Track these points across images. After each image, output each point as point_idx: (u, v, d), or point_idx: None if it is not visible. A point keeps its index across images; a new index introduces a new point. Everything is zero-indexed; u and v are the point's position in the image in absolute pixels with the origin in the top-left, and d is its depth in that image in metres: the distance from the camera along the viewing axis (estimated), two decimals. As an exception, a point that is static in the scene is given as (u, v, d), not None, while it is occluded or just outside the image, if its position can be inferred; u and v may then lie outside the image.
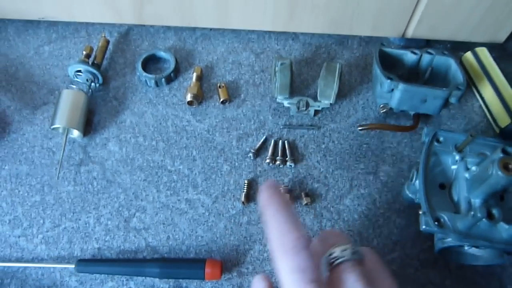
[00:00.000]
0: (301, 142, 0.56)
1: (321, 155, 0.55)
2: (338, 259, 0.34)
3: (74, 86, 0.58)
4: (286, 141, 0.56)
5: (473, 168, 0.43)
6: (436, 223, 0.40)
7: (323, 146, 0.56)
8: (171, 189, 0.53)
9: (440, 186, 0.45)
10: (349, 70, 0.63)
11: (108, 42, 0.62)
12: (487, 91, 0.57)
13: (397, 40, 0.65)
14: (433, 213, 0.41)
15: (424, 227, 0.41)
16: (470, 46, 0.63)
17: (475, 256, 0.45)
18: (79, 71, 0.58)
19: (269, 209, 0.34)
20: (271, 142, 0.56)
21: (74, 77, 0.59)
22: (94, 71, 0.58)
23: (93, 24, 0.66)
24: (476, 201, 0.41)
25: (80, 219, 0.51)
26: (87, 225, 0.51)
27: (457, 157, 0.44)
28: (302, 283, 0.30)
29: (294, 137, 0.57)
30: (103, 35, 0.62)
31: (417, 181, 0.45)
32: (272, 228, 0.33)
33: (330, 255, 0.35)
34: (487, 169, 0.39)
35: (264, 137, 0.56)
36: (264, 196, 0.35)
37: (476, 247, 0.42)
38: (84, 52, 0.59)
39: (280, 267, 0.31)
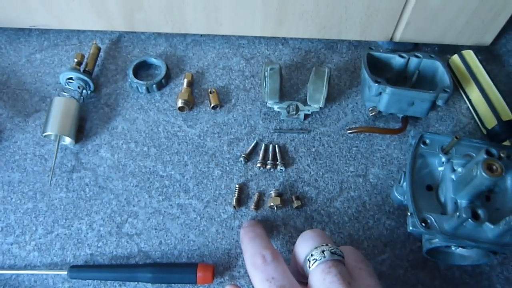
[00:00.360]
0: (291, 146, 0.57)
1: (311, 159, 0.56)
2: (316, 260, 0.35)
3: (65, 94, 0.58)
4: (276, 145, 0.56)
5: (459, 169, 0.44)
6: (423, 224, 0.41)
7: (313, 149, 0.57)
8: (163, 194, 0.53)
9: (427, 187, 0.46)
10: (338, 74, 0.63)
11: (99, 49, 0.63)
12: (474, 93, 0.58)
13: (386, 44, 0.66)
14: (420, 215, 0.41)
15: (411, 228, 0.41)
16: (457, 48, 0.64)
17: (462, 256, 0.45)
18: (71, 78, 0.58)
19: (244, 240, 0.42)
20: (261, 147, 0.56)
21: (65, 85, 0.59)
22: (86, 78, 0.58)
23: (84, 31, 0.67)
24: (462, 202, 0.42)
25: (72, 226, 0.51)
26: (80, 231, 0.51)
27: (443, 159, 0.45)
28: None
29: (285, 141, 0.57)
30: (94, 42, 0.63)
31: (404, 183, 0.46)
32: (246, 252, 0.40)
33: (310, 256, 0.36)
34: (471, 170, 0.40)
35: (255, 141, 0.57)
36: (242, 232, 0.44)
37: (463, 247, 0.43)
38: (76, 60, 0.59)
39: (254, 281, 0.37)
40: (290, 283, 0.35)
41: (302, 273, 0.37)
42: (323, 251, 0.35)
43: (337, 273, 0.34)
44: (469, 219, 0.38)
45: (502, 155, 0.40)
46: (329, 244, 0.36)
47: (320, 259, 0.35)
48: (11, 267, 0.49)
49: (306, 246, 0.37)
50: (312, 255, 0.36)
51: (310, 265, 0.35)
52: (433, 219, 0.41)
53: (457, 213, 0.39)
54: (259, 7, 0.58)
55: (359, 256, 0.38)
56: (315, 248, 0.36)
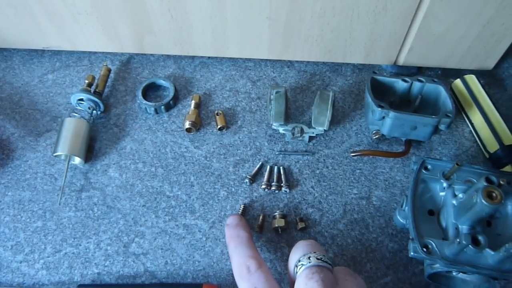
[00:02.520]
0: (296, 168, 0.58)
1: (316, 181, 0.57)
2: (302, 266, 0.36)
3: (76, 114, 0.60)
4: (281, 167, 0.57)
5: (460, 195, 0.44)
6: (424, 249, 0.41)
7: (317, 171, 0.58)
8: (169, 215, 0.54)
9: (429, 212, 0.46)
10: (342, 96, 0.65)
11: (109, 70, 0.64)
12: (476, 117, 0.59)
13: (389, 67, 0.67)
14: (421, 240, 0.42)
15: (412, 253, 0.42)
16: (460, 72, 0.65)
17: (464, 281, 0.46)
18: (81, 99, 0.60)
19: (230, 246, 0.45)
20: (267, 168, 0.57)
21: (76, 105, 0.61)
22: (96, 99, 0.60)
23: (95, 53, 0.69)
24: (463, 228, 0.43)
25: (80, 245, 0.52)
26: (87, 250, 0.52)
27: (444, 184, 0.46)
28: None
29: (289, 163, 0.58)
30: (105, 64, 0.64)
31: (406, 208, 0.47)
32: (232, 261, 0.44)
33: (298, 262, 0.37)
34: (472, 197, 0.40)
35: (260, 163, 0.58)
36: (227, 234, 0.47)
37: (464, 272, 0.43)
38: (86, 81, 0.61)
39: None
40: None
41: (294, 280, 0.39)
42: (309, 257, 0.37)
43: (319, 278, 0.35)
44: (470, 246, 0.39)
45: (502, 182, 0.41)
46: (317, 252, 0.38)
47: (306, 264, 0.36)
48: (19, 285, 0.50)
49: (296, 254, 0.40)
50: (299, 261, 0.38)
51: (297, 271, 0.37)
52: (434, 244, 0.41)
53: (458, 239, 0.39)
54: (266, 31, 0.60)
55: (348, 271, 0.40)
56: (304, 255, 0.38)
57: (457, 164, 0.44)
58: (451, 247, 0.40)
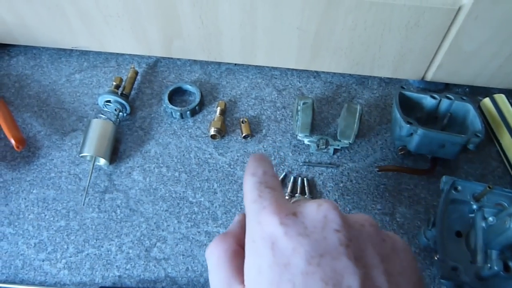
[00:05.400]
0: (319, 180, 0.58)
1: (339, 194, 0.57)
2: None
3: (103, 116, 0.60)
4: (305, 178, 0.57)
5: (490, 218, 0.44)
6: (452, 272, 0.41)
7: (341, 184, 0.57)
8: (191, 221, 0.54)
9: (456, 233, 0.46)
10: (368, 110, 0.64)
11: (137, 73, 0.65)
12: (505, 138, 0.58)
13: (416, 82, 0.67)
14: (450, 262, 0.42)
15: (441, 275, 0.41)
16: (488, 91, 0.64)
17: (490, 305, 0.45)
18: (109, 101, 0.60)
19: (250, 161, 0.34)
20: (290, 179, 0.57)
21: (103, 107, 0.61)
22: (123, 101, 0.60)
23: (122, 54, 0.69)
24: (493, 252, 0.42)
25: (102, 246, 0.53)
26: (109, 252, 0.52)
27: (474, 206, 0.45)
28: (257, 184, 0.31)
29: (313, 175, 0.58)
30: (132, 67, 0.65)
31: (433, 228, 0.46)
32: (248, 167, 0.34)
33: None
34: (504, 222, 0.40)
35: (284, 173, 0.57)
36: (251, 158, 0.35)
37: (492, 297, 0.43)
38: (114, 83, 0.61)
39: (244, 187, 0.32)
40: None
41: None
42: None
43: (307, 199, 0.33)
44: (501, 272, 0.38)
45: (535, 207, 0.41)
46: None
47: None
48: (41, 284, 0.50)
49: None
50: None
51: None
52: (463, 268, 0.41)
53: (488, 264, 0.39)
54: (295, 41, 0.60)
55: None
56: None
57: (488, 187, 0.43)
58: (480, 271, 0.40)
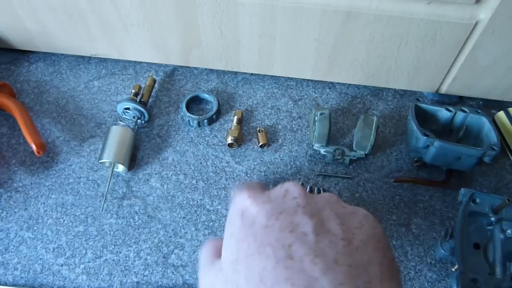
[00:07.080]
0: (335, 190, 0.58)
1: (355, 204, 0.57)
2: None
3: (122, 123, 0.61)
4: (321, 188, 0.58)
5: (509, 231, 0.44)
6: (472, 283, 0.41)
7: (357, 195, 0.58)
8: (208, 229, 0.55)
9: (474, 245, 0.46)
10: (383, 121, 0.65)
11: (155, 81, 0.66)
12: (519, 151, 0.59)
13: (431, 95, 0.67)
14: (469, 274, 0.42)
15: (461, 287, 0.42)
16: (502, 104, 0.65)
17: (507, 318, 0.45)
18: (128, 108, 0.61)
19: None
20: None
21: (122, 114, 0.62)
22: (142, 109, 0.61)
23: (140, 62, 0.70)
24: (512, 265, 0.43)
25: (120, 252, 0.53)
26: (127, 258, 0.53)
27: (492, 219, 0.46)
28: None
29: (329, 185, 0.58)
30: (150, 75, 0.66)
31: (451, 240, 0.47)
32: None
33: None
34: (524, 235, 0.40)
35: (300, 182, 0.58)
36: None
37: (510, 310, 0.43)
38: (133, 91, 0.62)
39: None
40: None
41: None
42: None
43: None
44: (521, 284, 0.39)
45: (554, 221, 0.41)
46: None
47: None
48: (60, 289, 0.51)
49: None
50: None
51: None
52: (482, 280, 0.41)
53: (508, 278, 0.39)
54: (312, 53, 0.61)
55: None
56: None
57: (508, 200, 0.44)
58: (500, 284, 0.40)
